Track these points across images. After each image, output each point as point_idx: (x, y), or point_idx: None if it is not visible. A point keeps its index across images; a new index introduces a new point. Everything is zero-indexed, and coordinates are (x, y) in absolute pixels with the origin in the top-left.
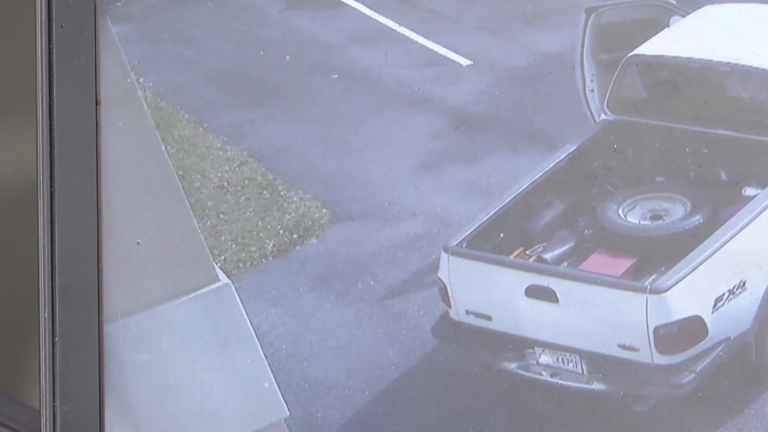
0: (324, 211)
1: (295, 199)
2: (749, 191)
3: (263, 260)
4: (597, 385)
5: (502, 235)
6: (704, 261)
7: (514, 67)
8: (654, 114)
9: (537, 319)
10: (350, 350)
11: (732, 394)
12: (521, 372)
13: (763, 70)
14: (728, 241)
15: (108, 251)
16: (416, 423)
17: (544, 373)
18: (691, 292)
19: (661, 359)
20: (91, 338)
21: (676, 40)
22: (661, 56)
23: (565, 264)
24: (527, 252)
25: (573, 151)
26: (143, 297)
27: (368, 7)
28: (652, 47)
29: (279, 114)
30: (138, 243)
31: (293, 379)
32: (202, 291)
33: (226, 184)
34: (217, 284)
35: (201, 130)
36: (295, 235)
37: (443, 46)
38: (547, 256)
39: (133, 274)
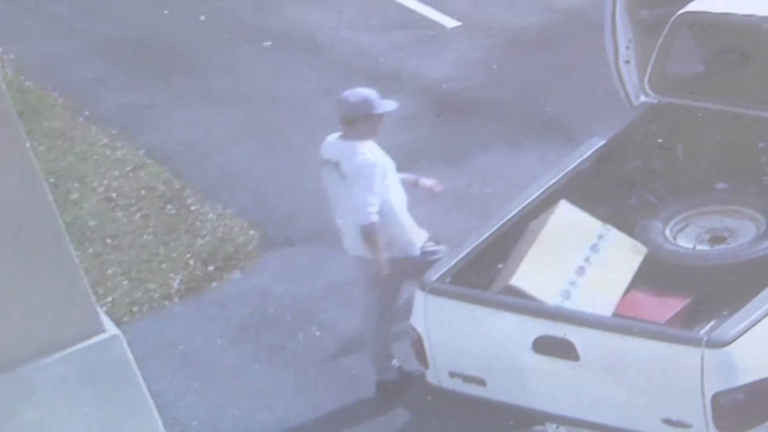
0: (252, 232)
1: (210, 216)
2: None
3: (167, 302)
4: None
5: (500, 265)
6: None
7: (518, 30)
8: (714, 95)
9: (549, 384)
10: (289, 429)
11: None
12: None
13: None
14: None
15: None
16: None
17: None
18: (764, 346)
19: None
20: None
21: None
22: (724, 14)
23: None
24: None
25: (601, 147)
26: None
27: None
28: (711, 2)
29: (190, 97)
30: None
31: None
32: (81, 345)
33: (114, 195)
34: (102, 336)
35: (81, 119)
36: (211, 267)
37: (420, 1)
38: None
39: None
